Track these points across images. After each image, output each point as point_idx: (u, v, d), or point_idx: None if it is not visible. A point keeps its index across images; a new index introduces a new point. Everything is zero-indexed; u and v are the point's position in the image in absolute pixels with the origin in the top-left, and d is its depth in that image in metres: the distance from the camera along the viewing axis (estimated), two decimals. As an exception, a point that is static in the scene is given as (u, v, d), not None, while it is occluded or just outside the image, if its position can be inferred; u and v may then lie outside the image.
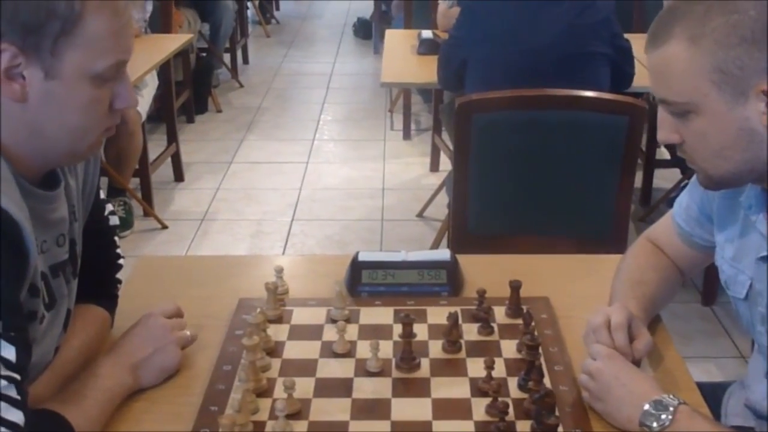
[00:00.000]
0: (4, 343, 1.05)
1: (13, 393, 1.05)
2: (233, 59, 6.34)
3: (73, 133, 1.18)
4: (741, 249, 1.31)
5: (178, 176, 4.47)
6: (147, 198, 4.00)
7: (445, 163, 4.44)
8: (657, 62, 1.20)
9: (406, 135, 5.09)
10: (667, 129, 1.22)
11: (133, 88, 1.25)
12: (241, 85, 6.14)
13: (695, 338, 3.03)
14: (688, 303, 3.24)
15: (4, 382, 1.04)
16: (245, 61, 6.75)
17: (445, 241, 3.50)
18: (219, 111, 5.58)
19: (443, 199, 3.89)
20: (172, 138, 4.35)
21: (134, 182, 4.01)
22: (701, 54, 1.14)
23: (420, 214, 4.07)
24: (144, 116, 3.83)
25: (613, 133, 2.43)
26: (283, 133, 5.22)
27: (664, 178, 4.13)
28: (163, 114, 4.40)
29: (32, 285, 1.16)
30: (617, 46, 2.72)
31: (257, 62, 6.83)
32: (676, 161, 4.08)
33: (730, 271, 1.34)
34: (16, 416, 1.05)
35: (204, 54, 5.59)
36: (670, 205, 4.18)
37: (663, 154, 4.24)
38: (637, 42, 2.93)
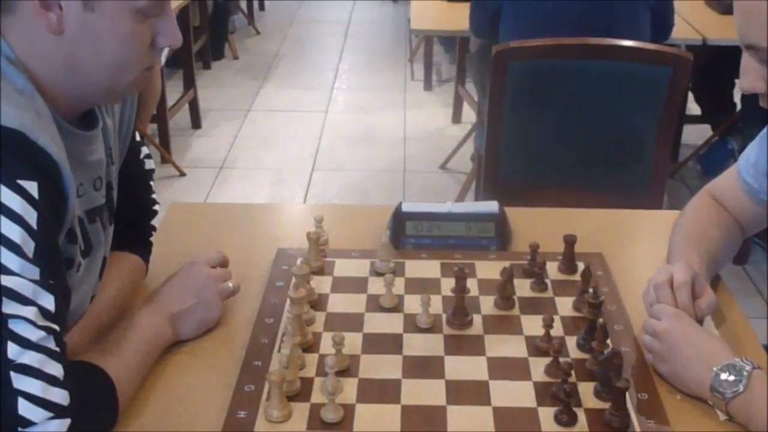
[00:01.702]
0: (42, 292, 0.99)
1: (52, 345, 0.99)
2: (249, 4, 6.22)
3: (111, 69, 1.11)
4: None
5: (196, 123, 4.39)
6: (165, 144, 3.93)
7: (468, 114, 4.36)
8: (746, 4, 1.11)
9: (427, 86, 4.99)
10: (752, 76, 1.14)
11: (176, 25, 1.16)
12: (258, 32, 6.03)
13: (727, 298, 2.97)
14: (719, 262, 3.17)
15: (42, 333, 0.98)
16: (261, 7, 6.64)
17: (470, 194, 3.43)
18: (236, 57, 5.48)
19: (467, 150, 3.82)
20: (190, 84, 4.26)
21: (151, 128, 3.94)
22: None
23: (443, 166, 3.99)
24: (163, 60, 3.73)
25: (655, 84, 2.34)
26: (301, 81, 5.12)
27: (693, 134, 4.03)
28: (180, 59, 4.30)
29: (70, 230, 1.10)
30: (659, -7, 2.61)
31: (273, 8, 6.71)
32: (707, 117, 3.98)
33: (805, 229, 1.26)
34: (56, 369, 0.99)
35: (220, -1, 5.47)
36: (700, 162, 4.08)
37: (691, 109, 4.14)
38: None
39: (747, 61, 1.14)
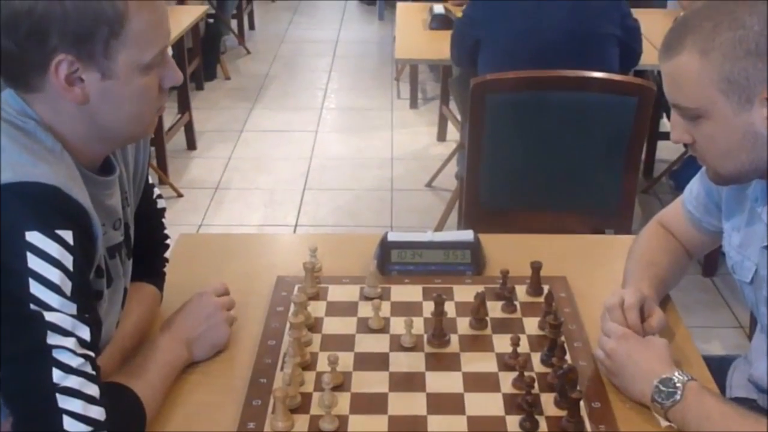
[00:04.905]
0: (79, 324, 1.16)
1: (89, 369, 1.16)
2: (240, 25, 6.39)
3: (130, 120, 1.28)
4: (747, 237, 1.42)
5: (191, 145, 4.56)
6: (162, 166, 4.09)
7: (452, 133, 4.54)
8: (670, 71, 1.30)
9: (413, 104, 5.18)
10: (679, 130, 1.33)
11: (175, 65, 1.31)
12: (248, 52, 6.21)
13: (696, 309, 3.15)
14: (689, 274, 3.31)
15: (81, 360, 1.15)
16: (251, 26, 6.82)
17: (454, 213, 3.61)
18: (227, 78, 5.65)
19: (451, 168, 4.00)
20: (185, 107, 4.42)
21: (150, 150, 4.10)
22: (711, 65, 1.24)
23: (429, 184, 4.17)
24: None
25: (622, 112, 2.53)
26: (291, 102, 5.30)
27: (668, 150, 4.22)
28: (175, 83, 4.45)
29: (97, 267, 1.27)
30: (626, 26, 2.81)
31: (263, 28, 6.90)
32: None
33: (736, 257, 1.45)
34: (93, 390, 1.16)
35: (212, 20, 5.63)
36: (673, 177, 4.26)
37: (666, 126, 4.33)
38: (645, 18, 3.03)
39: (675, 117, 1.33)
